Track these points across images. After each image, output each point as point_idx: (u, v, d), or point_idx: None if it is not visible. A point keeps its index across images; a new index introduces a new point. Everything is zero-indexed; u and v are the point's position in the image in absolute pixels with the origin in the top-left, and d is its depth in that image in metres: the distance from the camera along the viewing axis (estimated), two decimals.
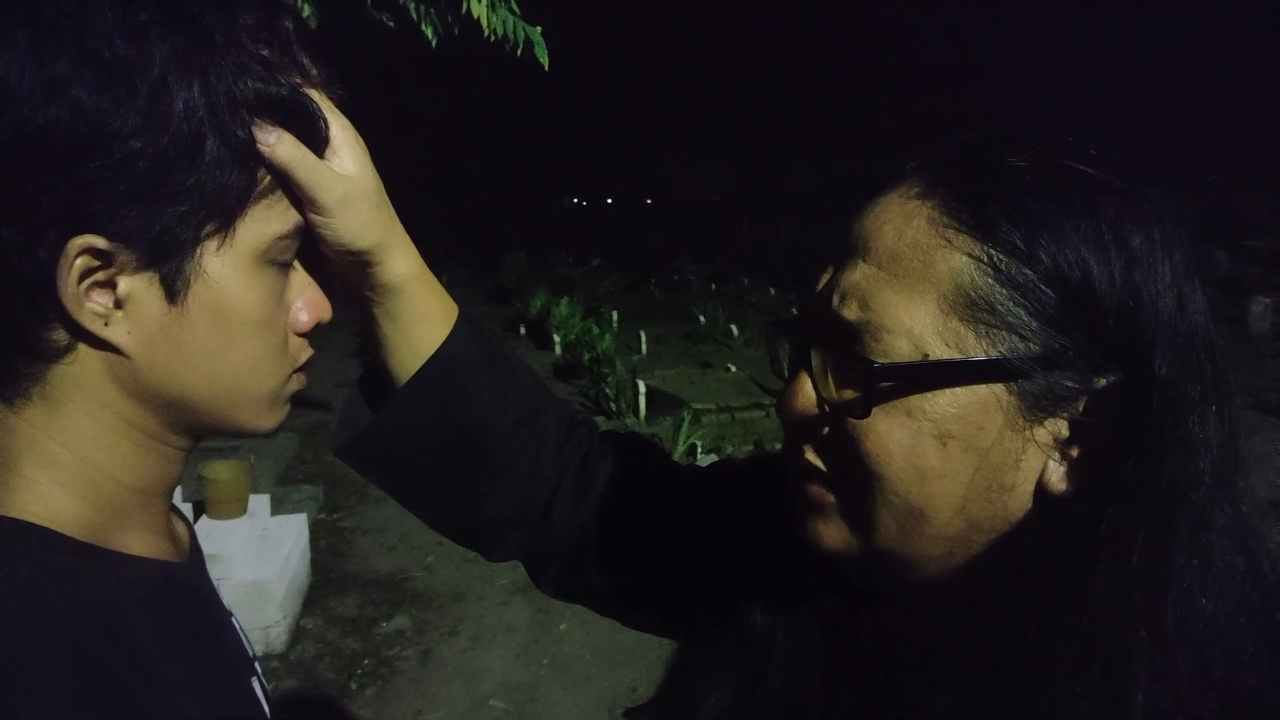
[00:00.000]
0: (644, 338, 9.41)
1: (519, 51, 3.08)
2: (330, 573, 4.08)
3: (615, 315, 10.35)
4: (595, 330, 8.33)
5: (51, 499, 0.51)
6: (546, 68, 3.02)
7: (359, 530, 4.57)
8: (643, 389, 6.62)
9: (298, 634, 3.54)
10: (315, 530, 4.34)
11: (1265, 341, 8.79)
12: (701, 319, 10.69)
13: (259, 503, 3.85)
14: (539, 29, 2.85)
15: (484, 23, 2.81)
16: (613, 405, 6.62)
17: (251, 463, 4.22)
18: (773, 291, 13.27)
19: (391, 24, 3.11)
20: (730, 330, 10.09)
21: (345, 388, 0.80)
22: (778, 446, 0.63)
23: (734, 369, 8.30)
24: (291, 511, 4.08)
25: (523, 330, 10.49)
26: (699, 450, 5.45)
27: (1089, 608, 0.48)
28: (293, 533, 3.73)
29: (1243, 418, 0.52)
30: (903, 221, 0.53)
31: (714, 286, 14.14)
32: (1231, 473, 0.50)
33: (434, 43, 3.16)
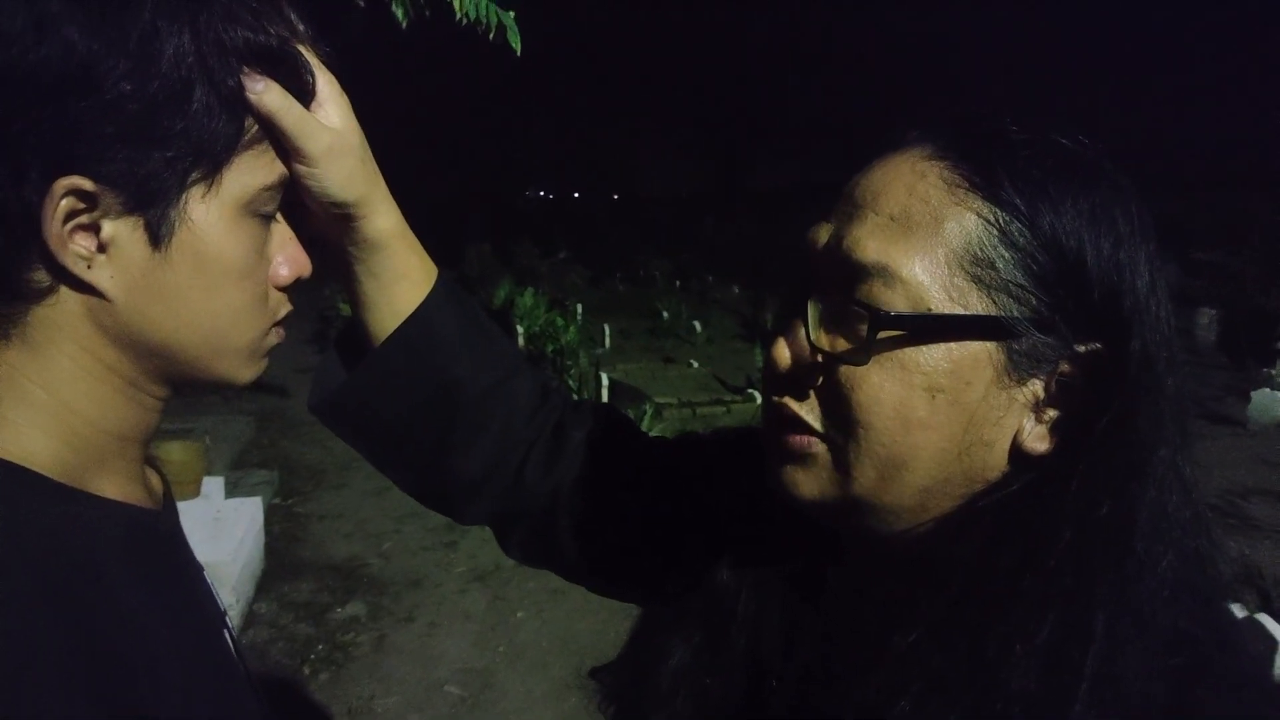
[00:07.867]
0: (608, 331, 9.41)
1: (491, 35, 3.06)
2: (285, 558, 4.03)
3: (579, 308, 10.32)
4: (559, 322, 8.31)
5: (29, 439, 0.51)
6: (519, 53, 2.99)
7: (315, 516, 4.52)
8: (605, 382, 6.63)
9: (250, 618, 3.50)
10: (270, 515, 4.28)
11: (1210, 352, 9.04)
12: (665, 314, 10.71)
13: (213, 485, 3.79)
14: (512, 14, 2.83)
15: (456, 4, 2.78)
16: (575, 397, 6.60)
17: (206, 444, 4.16)
18: (736, 290, 13.33)
19: (362, 2, 3.07)
20: (694, 326, 10.13)
21: (303, 373, 0.81)
22: None
23: (696, 365, 8.34)
24: (246, 495, 4.01)
25: None
26: None
27: (1056, 551, 0.50)
28: (246, 516, 3.68)
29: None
30: (914, 179, 0.55)
31: (678, 283, 14.18)
32: (1184, 440, 0.54)
33: (404, 24, 3.12)
